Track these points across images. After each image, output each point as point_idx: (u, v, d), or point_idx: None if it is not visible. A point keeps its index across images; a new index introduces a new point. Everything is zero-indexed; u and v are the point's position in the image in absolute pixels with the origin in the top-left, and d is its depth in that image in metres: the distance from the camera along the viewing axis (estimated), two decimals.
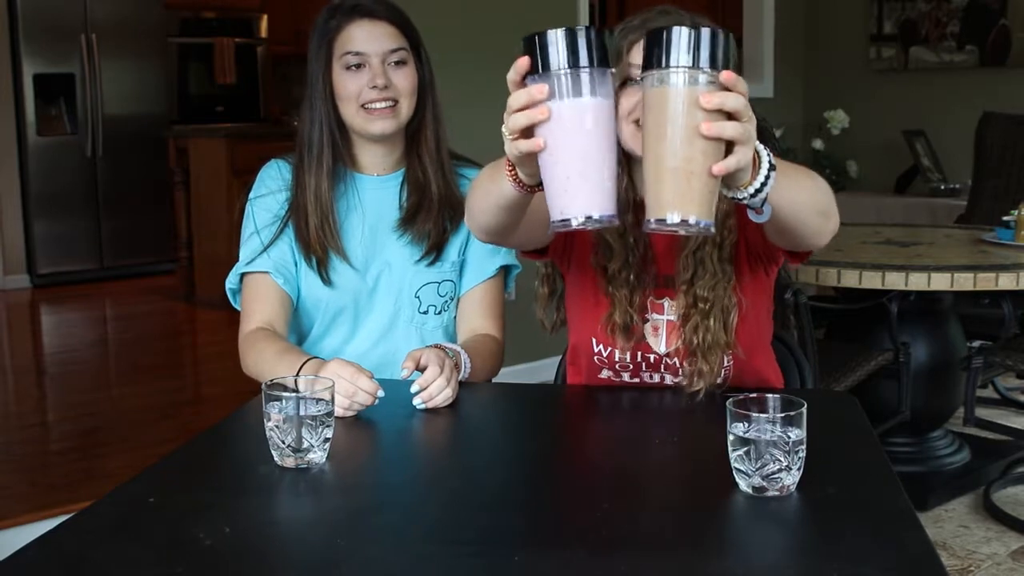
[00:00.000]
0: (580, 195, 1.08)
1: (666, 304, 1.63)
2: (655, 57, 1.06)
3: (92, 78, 6.29)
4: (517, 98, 1.11)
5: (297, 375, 1.46)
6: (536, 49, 1.09)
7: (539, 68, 1.09)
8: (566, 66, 1.07)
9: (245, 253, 1.78)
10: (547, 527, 1.17)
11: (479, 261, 1.82)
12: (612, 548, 1.08)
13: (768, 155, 1.19)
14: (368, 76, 1.71)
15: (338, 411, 1.45)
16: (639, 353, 1.63)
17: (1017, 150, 4.13)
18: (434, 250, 1.78)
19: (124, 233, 6.50)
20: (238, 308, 1.80)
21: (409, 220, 1.78)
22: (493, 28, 3.95)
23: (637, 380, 1.65)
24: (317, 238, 1.73)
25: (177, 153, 5.80)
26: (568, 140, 1.09)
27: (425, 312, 1.80)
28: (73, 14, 6.19)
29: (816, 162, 5.14)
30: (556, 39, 1.08)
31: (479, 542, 1.11)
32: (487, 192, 1.34)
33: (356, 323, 1.79)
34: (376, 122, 1.73)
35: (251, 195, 1.82)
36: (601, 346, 1.65)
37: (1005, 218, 3.12)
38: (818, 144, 5.16)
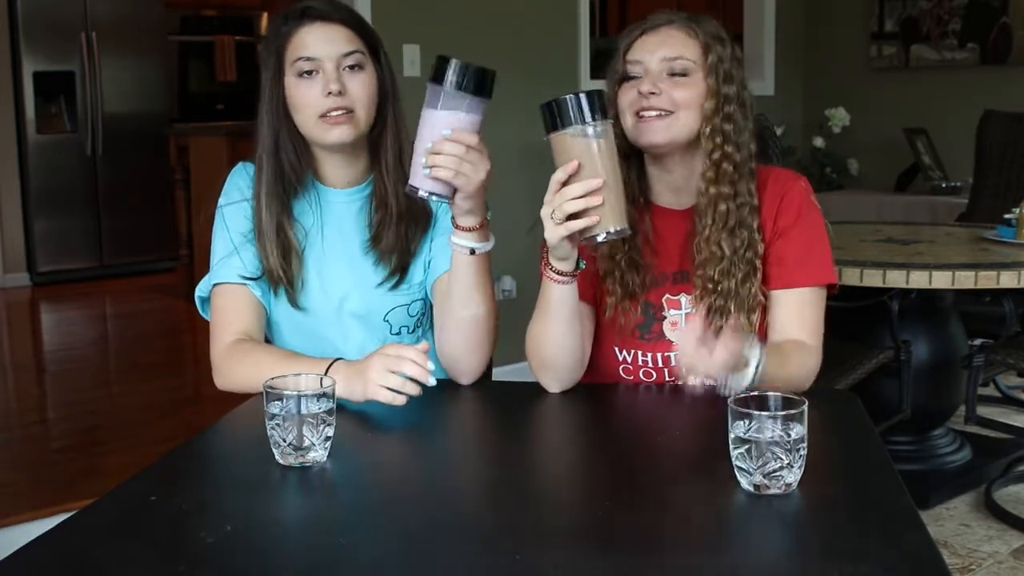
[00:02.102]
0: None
1: (683, 299, 1.65)
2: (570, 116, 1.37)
3: (92, 76, 6.29)
4: (573, 190, 1.37)
5: (325, 375, 1.45)
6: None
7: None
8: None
9: (218, 262, 1.69)
10: (547, 526, 1.17)
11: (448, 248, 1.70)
12: (612, 547, 1.08)
13: (757, 363, 1.40)
14: (322, 83, 1.61)
15: (386, 396, 1.44)
16: (660, 355, 1.65)
17: (1018, 148, 4.13)
18: (397, 272, 1.70)
19: (124, 231, 6.50)
20: (207, 317, 1.71)
21: (376, 239, 1.70)
22: (494, 30, 3.94)
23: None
24: (279, 267, 1.65)
25: (178, 151, 5.79)
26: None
27: (398, 333, 1.74)
28: (73, 12, 6.19)
29: (817, 160, 5.14)
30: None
31: (480, 541, 1.11)
32: (545, 323, 1.55)
33: (326, 345, 1.71)
34: (332, 131, 1.62)
35: (221, 201, 1.72)
36: (625, 352, 1.66)
37: (1006, 216, 3.12)
38: (819, 142, 5.16)
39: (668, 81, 1.58)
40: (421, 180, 1.48)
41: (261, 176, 1.67)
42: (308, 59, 1.61)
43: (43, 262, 6.28)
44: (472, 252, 1.56)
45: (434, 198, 1.50)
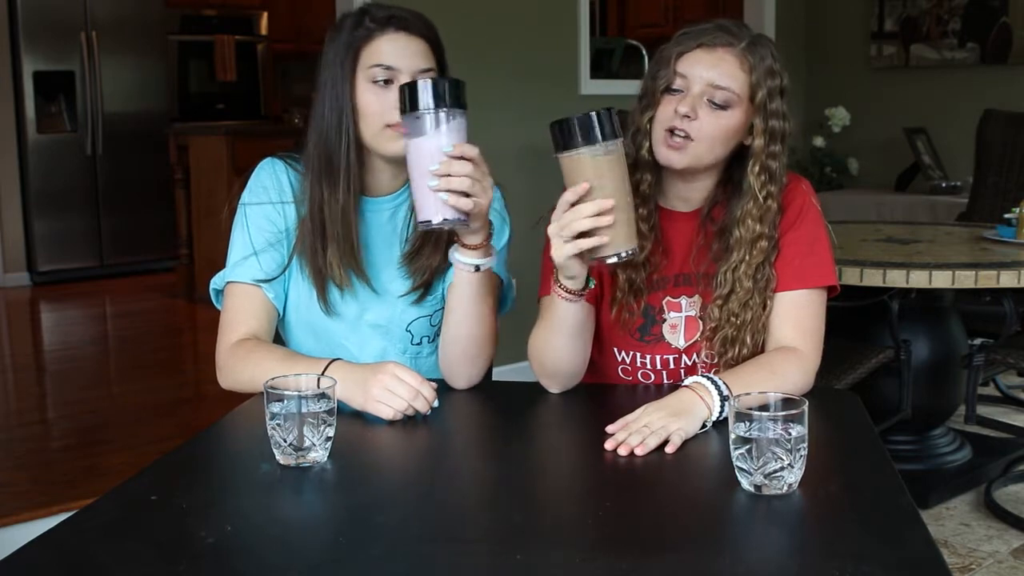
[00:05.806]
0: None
1: (684, 302, 1.64)
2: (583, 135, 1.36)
3: (92, 75, 6.29)
4: (585, 209, 1.35)
5: (322, 375, 1.44)
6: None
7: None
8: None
9: (236, 259, 1.67)
10: (547, 526, 1.17)
11: None
12: (612, 548, 1.08)
13: (719, 401, 1.41)
14: (395, 94, 1.53)
15: (388, 413, 1.46)
16: (659, 357, 1.65)
17: (1018, 148, 4.13)
18: (422, 288, 1.68)
19: (124, 231, 6.51)
20: (220, 307, 1.69)
21: (414, 255, 1.67)
22: (494, 30, 3.94)
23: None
24: (338, 265, 1.62)
25: (177, 151, 5.79)
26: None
27: (419, 344, 1.72)
28: (73, 11, 6.19)
29: (817, 160, 5.14)
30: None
31: (479, 541, 1.11)
32: (549, 336, 1.54)
33: (342, 352, 1.67)
34: (397, 142, 1.56)
35: (246, 198, 1.68)
36: (624, 353, 1.66)
37: (1006, 215, 3.12)
38: (819, 142, 5.15)
39: (706, 108, 1.55)
40: (435, 211, 1.40)
41: (332, 169, 1.61)
42: (386, 68, 1.58)
43: (43, 262, 6.29)
44: (477, 269, 1.54)
45: (451, 225, 1.43)
